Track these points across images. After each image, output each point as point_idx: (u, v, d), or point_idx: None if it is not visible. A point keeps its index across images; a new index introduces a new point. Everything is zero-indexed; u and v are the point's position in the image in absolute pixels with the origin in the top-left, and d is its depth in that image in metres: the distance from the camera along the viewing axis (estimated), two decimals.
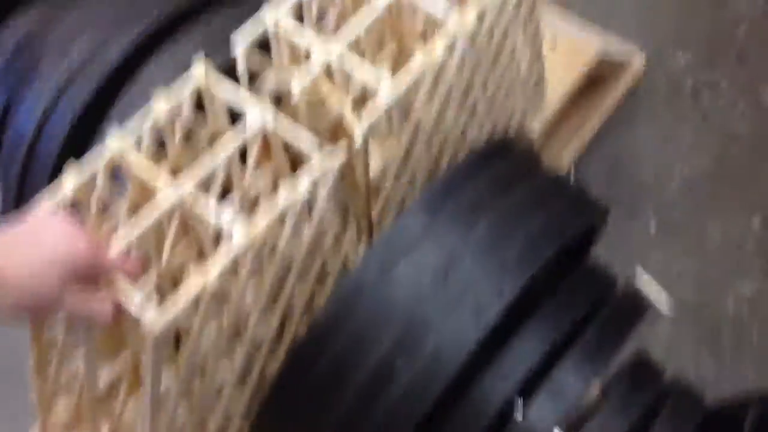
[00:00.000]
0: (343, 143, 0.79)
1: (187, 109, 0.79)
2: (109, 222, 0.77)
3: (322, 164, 0.75)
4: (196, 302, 0.68)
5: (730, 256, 1.23)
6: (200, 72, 0.79)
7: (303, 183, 0.73)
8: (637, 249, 1.22)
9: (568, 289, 0.86)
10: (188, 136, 0.82)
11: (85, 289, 0.64)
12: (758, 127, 1.33)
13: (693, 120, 1.36)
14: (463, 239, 0.83)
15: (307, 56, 0.83)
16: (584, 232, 0.92)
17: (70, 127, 0.92)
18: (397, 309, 0.81)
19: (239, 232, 0.70)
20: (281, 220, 0.74)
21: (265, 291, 0.77)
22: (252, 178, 0.80)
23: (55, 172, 0.82)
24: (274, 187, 0.84)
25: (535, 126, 1.16)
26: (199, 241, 0.77)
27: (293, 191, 0.73)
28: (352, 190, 0.83)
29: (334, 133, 0.88)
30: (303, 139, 0.76)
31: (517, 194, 0.87)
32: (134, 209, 0.75)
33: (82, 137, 0.92)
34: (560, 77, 1.18)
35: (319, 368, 0.82)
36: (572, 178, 1.26)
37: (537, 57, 1.04)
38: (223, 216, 0.71)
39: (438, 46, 0.82)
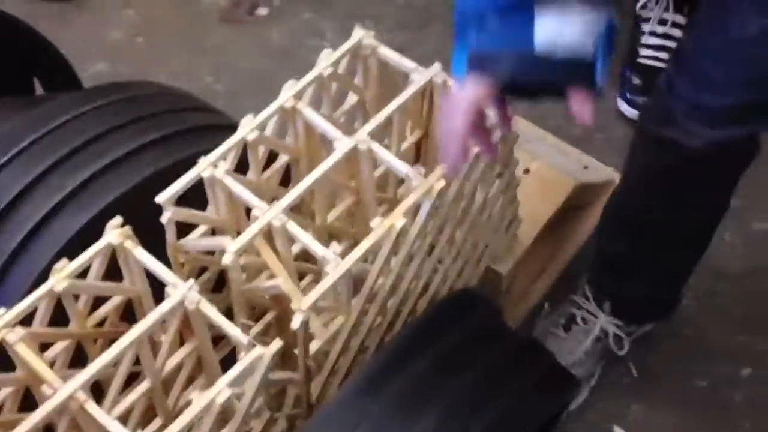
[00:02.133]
0: (277, 323, 0.68)
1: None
2: None
3: (252, 355, 0.63)
4: None
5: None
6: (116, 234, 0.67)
7: (223, 386, 0.61)
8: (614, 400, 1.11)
9: None
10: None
11: None
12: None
13: None
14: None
15: (247, 212, 0.72)
16: (551, 415, 0.81)
17: None
18: None
19: None
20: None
21: None
22: (168, 358, 0.68)
23: None
24: (197, 366, 0.72)
25: (505, 265, 1.05)
26: None
27: (213, 396, 0.61)
28: (286, 375, 0.71)
29: (272, 300, 0.76)
30: (228, 325, 0.64)
31: (474, 372, 0.75)
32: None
33: None
34: (535, 207, 1.07)
35: None
36: (545, 315, 1.14)
37: (511, 200, 0.93)
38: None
39: (397, 213, 0.70)
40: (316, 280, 0.79)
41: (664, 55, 1.31)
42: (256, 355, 0.62)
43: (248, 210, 0.75)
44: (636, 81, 1.31)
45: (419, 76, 0.79)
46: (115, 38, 1.41)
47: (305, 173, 0.81)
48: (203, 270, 0.80)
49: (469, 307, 0.82)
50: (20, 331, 0.61)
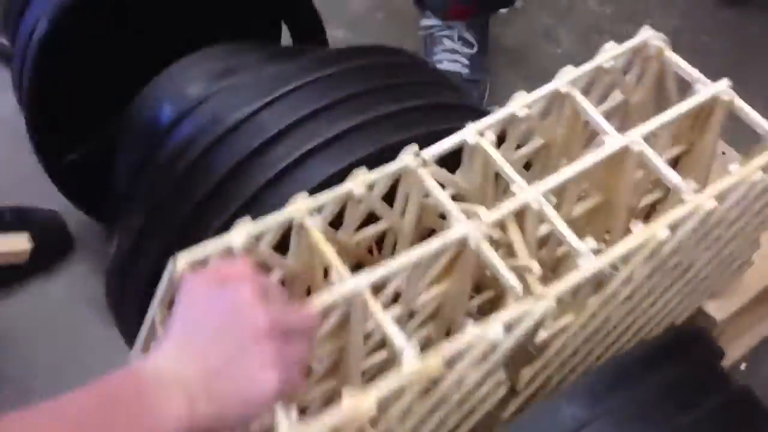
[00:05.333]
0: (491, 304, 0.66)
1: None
2: None
3: (525, 309, 0.61)
4: None
5: None
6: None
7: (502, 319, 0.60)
8: None
9: None
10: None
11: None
12: None
13: None
14: None
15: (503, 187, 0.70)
16: None
17: None
18: None
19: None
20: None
21: None
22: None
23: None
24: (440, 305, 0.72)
25: (718, 315, 0.99)
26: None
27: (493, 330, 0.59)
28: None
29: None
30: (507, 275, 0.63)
31: (689, 418, 0.71)
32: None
33: None
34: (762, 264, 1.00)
35: None
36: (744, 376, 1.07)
37: (756, 240, 0.87)
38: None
39: (660, 224, 0.67)
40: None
41: None
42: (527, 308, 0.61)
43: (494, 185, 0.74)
44: None
45: (705, 88, 0.75)
46: (355, 10, 1.44)
47: (556, 161, 0.79)
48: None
49: (694, 344, 0.78)
50: (318, 218, 0.64)
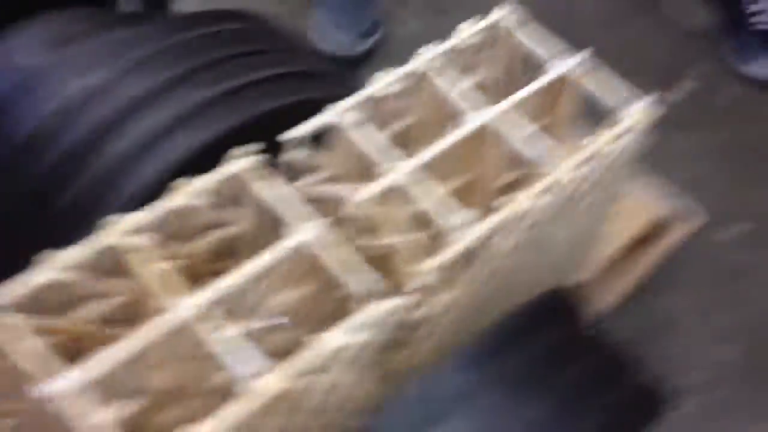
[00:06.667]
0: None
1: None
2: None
3: (378, 309, 0.60)
4: None
5: None
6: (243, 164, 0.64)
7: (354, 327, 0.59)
8: None
9: None
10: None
11: None
12: None
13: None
14: (509, 418, 0.69)
15: (370, 168, 0.69)
16: None
17: None
18: None
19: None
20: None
21: None
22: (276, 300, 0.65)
23: None
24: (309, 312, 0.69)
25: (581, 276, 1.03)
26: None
27: (334, 339, 0.58)
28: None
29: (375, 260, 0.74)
30: (360, 280, 0.62)
31: (562, 381, 0.73)
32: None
33: None
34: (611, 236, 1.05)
35: None
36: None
37: (606, 217, 0.91)
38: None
39: (529, 194, 0.68)
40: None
41: None
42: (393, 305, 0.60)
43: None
44: None
45: (556, 66, 0.77)
46: None
47: (426, 140, 0.80)
48: None
49: (559, 310, 0.80)
50: (136, 240, 0.59)
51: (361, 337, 0.60)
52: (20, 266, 0.58)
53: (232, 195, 0.65)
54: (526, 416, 0.67)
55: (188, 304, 0.56)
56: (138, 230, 0.60)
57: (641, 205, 1.10)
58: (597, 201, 0.84)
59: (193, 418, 0.53)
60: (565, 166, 0.71)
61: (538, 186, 0.70)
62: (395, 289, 0.63)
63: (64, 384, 0.52)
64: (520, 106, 0.77)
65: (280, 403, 0.56)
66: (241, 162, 0.65)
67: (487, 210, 0.72)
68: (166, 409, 0.65)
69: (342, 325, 0.59)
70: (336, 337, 0.58)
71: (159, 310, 0.57)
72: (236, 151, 0.65)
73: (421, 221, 0.78)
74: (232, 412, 0.53)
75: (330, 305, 0.69)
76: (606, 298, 1.10)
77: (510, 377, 0.68)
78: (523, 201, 0.68)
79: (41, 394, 0.51)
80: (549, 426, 0.68)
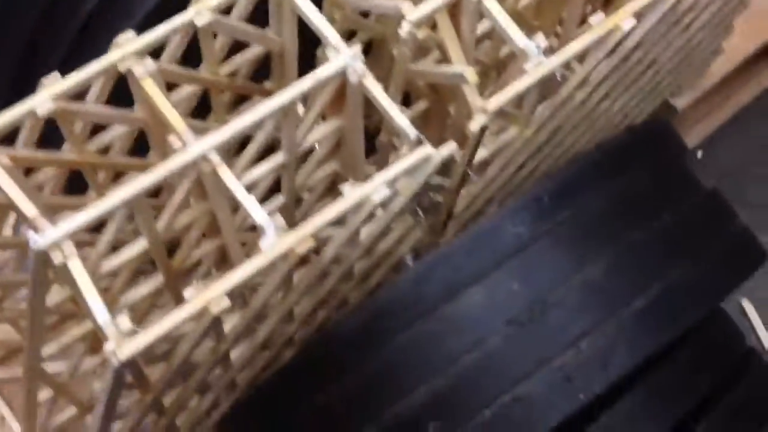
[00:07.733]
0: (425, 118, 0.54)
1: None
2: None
3: (419, 154, 0.50)
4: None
5: None
6: None
7: (380, 183, 0.49)
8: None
9: (692, 359, 0.63)
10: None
11: None
12: None
13: None
14: (568, 273, 0.60)
15: None
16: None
17: None
18: (457, 348, 0.59)
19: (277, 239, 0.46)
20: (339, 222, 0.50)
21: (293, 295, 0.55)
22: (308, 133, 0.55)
23: None
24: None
25: (679, 103, 0.89)
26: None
27: (368, 192, 0.49)
28: (444, 182, 0.58)
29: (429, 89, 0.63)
30: (395, 111, 0.51)
31: (656, 225, 0.62)
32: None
33: None
34: (731, 47, 0.90)
35: (336, 387, 0.61)
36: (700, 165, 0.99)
37: (726, 28, 0.76)
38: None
39: (627, 11, 0.55)
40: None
41: None
42: (424, 155, 0.50)
43: None
44: None
45: None
46: None
47: None
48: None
49: (660, 144, 0.68)
50: (150, 64, 0.49)
51: (411, 187, 0.50)
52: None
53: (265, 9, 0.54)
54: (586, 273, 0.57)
55: (206, 143, 0.47)
56: (151, 51, 0.50)
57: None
58: (720, 13, 0.69)
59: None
60: None
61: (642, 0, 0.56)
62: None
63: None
64: None
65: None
66: None
67: (579, 25, 0.59)
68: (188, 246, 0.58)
69: (384, 176, 0.49)
70: (379, 191, 0.49)
71: (176, 144, 0.48)
72: None
73: (494, 41, 0.66)
74: (246, 270, 0.45)
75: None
76: (702, 129, 0.97)
77: (574, 227, 0.58)
78: (624, 18, 0.55)
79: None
80: (617, 278, 0.59)
